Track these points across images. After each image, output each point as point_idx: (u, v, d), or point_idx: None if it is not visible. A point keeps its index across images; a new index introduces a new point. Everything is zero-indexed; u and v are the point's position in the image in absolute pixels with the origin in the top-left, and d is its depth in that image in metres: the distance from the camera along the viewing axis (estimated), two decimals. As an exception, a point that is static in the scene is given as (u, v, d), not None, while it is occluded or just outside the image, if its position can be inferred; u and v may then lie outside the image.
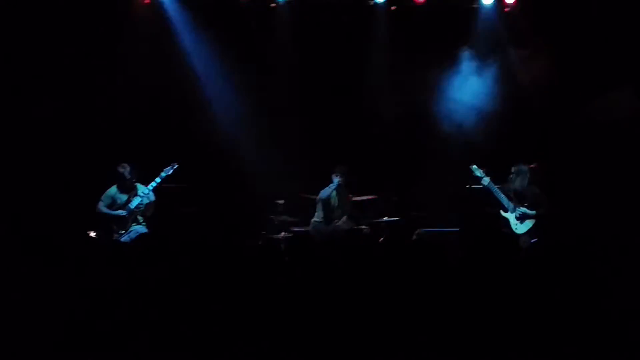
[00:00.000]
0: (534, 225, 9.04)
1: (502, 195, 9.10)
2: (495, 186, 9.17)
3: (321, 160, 11.18)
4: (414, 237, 9.43)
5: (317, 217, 10.51)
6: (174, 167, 9.20)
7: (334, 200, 10.53)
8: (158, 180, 9.08)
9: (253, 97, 11.91)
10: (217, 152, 11.74)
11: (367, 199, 11.05)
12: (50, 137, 10.81)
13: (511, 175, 9.25)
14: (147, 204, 8.95)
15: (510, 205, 9.08)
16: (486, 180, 9.16)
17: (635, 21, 10.12)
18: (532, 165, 9.43)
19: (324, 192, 10.37)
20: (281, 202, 10.87)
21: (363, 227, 10.61)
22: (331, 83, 11.89)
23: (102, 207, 8.87)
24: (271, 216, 10.89)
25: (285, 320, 3.83)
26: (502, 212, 9.12)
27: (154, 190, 9.04)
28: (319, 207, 10.51)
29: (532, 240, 8.67)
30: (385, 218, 10.89)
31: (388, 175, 11.55)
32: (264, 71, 11.88)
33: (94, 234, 9.24)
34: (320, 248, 5.61)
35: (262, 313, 3.90)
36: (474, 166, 9.33)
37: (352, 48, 11.96)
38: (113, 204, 8.90)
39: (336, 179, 10.32)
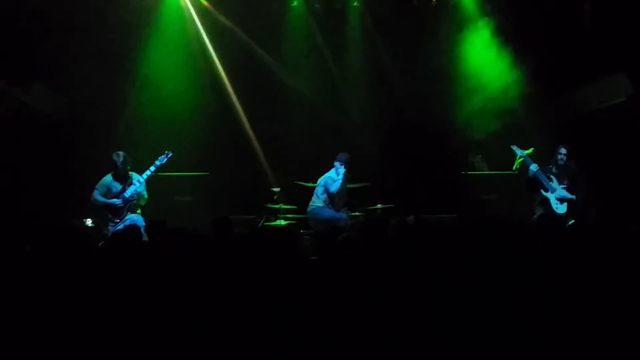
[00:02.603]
0: (570, 207, 9.09)
1: (544, 176, 9.13)
2: (537, 166, 9.20)
3: (316, 148, 11.23)
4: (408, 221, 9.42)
5: (318, 201, 10.31)
6: (168, 156, 9.18)
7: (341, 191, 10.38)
8: (152, 168, 9.06)
9: (247, 86, 11.95)
10: (211, 140, 11.76)
11: (362, 186, 11.08)
12: (46, 127, 10.83)
13: (559, 157, 9.26)
14: (139, 194, 8.94)
15: (551, 185, 9.12)
16: (534, 167, 9.16)
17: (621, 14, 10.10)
18: (528, 152, 9.45)
19: (334, 186, 10.12)
20: (277, 189, 10.87)
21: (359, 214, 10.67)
22: (322, 73, 11.93)
23: (97, 195, 8.85)
24: (267, 204, 10.91)
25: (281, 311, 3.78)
26: (542, 192, 9.15)
27: (148, 179, 9.02)
28: (321, 191, 10.29)
29: (570, 222, 8.71)
30: (379, 205, 10.92)
31: (382, 162, 11.59)
32: (255, 61, 11.93)
33: (90, 222, 9.25)
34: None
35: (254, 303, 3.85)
36: (515, 147, 9.34)
37: (339, 37, 12.00)
38: (108, 193, 8.87)
39: (341, 169, 10.18)
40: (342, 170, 10.14)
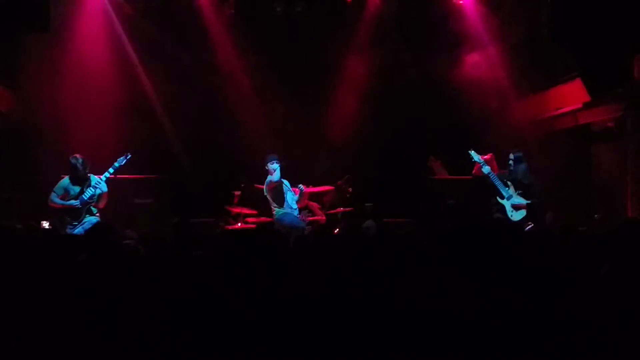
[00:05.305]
0: (528, 213, 9.16)
1: (499, 182, 9.15)
2: (492, 173, 9.21)
3: (277, 151, 11.22)
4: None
5: (275, 206, 10.17)
6: (127, 157, 9.07)
7: (285, 186, 10.03)
8: (111, 170, 8.93)
9: (209, 88, 11.92)
10: (171, 142, 11.72)
11: (324, 190, 11.12)
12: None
13: (510, 162, 9.30)
14: (99, 195, 8.83)
15: (507, 192, 9.15)
16: (487, 169, 9.18)
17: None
18: (486, 156, 9.53)
19: (275, 176, 9.69)
20: (237, 193, 10.85)
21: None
22: (288, 75, 11.94)
23: (54, 198, 8.70)
24: (227, 207, 10.87)
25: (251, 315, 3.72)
26: (498, 199, 9.18)
27: (107, 180, 8.91)
28: (272, 196, 9.99)
29: (527, 227, 8.76)
30: (340, 209, 10.97)
31: (344, 167, 11.63)
32: (218, 63, 11.91)
33: (47, 224, 9.10)
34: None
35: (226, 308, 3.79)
36: (472, 151, 9.34)
37: (309, 40, 12.04)
38: (66, 196, 8.73)
39: (275, 165, 9.73)
40: (276, 165, 9.87)
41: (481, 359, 3.31)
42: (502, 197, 9.17)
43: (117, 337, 3.56)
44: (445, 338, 3.38)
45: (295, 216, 9.91)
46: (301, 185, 10.05)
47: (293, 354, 3.48)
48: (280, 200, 9.90)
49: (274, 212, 9.94)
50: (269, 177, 9.82)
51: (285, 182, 10.00)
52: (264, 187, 9.95)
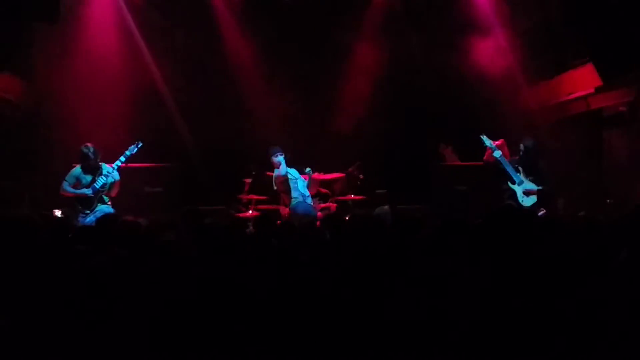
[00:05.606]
0: (539, 199, 9.13)
1: (511, 168, 9.13)
2: (504, 158, 9.18)
3: (287, 139, 11.22)
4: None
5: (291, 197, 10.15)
6: (138, 146, 9.11)
7: (291, 176, 10.15)
8: (122, 159, 8.98)
9: (218, 76, 11.91)
10: (181, 130, 11.73)
11: (334, 178, 11.11)
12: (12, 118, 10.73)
13: (520, 150, 9.27)
14: (111, 183, 8.87)
15: (518, 177, 9.13)
16: (498, 153, 9.16)
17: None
18: (497, 142, 9.48)
19: (282, 170, 9.93)
20: (248, 181, 10.85)
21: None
22: (297, 62, 11.92)
23: (66, 186, 8.76)
24: (238, 195, 10.88)
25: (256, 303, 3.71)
26: (509, 184, 9.16)
27: (119, 169, 8.94)
28: (283, 189, 10.11)
29: (540, 213, 8.73)
30: (351, 196, 10.95)
31: (354, 154, 11.60)
32: (228, 51, 11.90)
33: (60, 212, 9.15)
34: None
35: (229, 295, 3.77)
36: (484, 136, 9.31)
37: (318, 27, 12.01)
38: (78, 185, 8.79)
39: (280, 157, 9.94)
40: (281, 158, 9.98)
41: (497, 351, 3.29)
42: (514, 183, 9.14)
43: (116, 328, 3.55)
44: (456, 330, 3.37)
45: (309, 204, 9.99)
46: (309, 169, 10.09)
47: (301, 346, 3.47)
48: (290, 192, 9.97)
49: (287, 204, 10.02)
50: (276, 171, 9.92)
51: (291, 171, 10.05)
52: (273, 181, 10.03)
